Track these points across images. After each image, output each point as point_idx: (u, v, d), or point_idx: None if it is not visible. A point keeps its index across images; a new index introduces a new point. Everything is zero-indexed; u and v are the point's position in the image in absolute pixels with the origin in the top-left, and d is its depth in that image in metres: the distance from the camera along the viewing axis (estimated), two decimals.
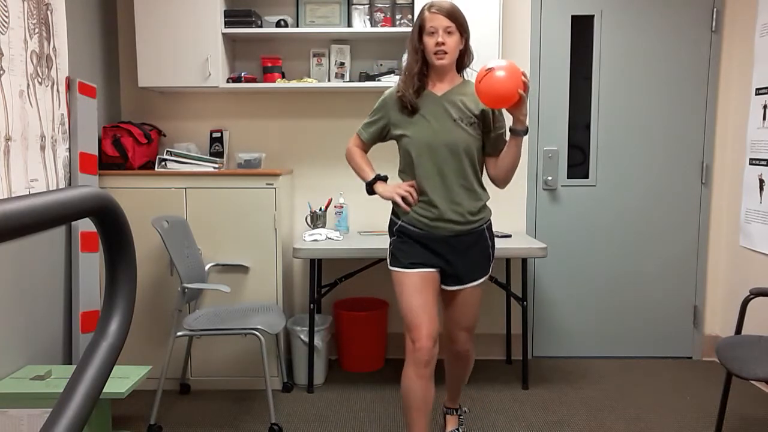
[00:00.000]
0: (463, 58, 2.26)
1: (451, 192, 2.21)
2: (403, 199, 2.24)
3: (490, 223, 2.34)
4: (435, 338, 2.17)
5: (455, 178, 2.20)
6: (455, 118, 2.20)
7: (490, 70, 2.02)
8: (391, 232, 2.34)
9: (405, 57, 3.11)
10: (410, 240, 2.26)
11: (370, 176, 2.34)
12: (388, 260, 2.33)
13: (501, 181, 2.30)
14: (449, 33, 2.14)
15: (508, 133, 2.24)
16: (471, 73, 2.27)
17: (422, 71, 2.22)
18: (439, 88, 2.24)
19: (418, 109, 2.22)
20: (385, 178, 2.35)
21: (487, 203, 2.32)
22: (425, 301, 2.19)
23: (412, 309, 2.18)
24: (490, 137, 2.27)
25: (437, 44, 2.14)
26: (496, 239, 2.37)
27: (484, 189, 2.30)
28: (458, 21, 2.15)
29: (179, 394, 3.21)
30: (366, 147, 2.42)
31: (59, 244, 2.85)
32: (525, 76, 2.04)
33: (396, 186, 2.26)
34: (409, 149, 2.24)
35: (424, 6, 2.19)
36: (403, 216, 2.27)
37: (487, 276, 2.35)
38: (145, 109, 3.59)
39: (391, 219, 2.35)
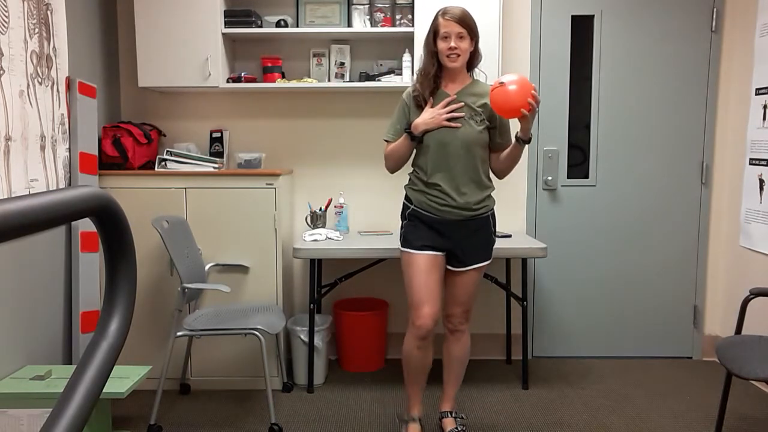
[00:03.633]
0: (473, 59, 2.46)
1: (460, 182, 2.40)
2: (450, 119, 2.38)
3: (494, 212, 2.54)
4: (435, 318, 2.42)
5: (464, 170, 2.40)
6: (466, 116, 2.39)
7: (502, 84, 2.23)
8: (403, 216, 2.53)
9: (414, 62, 3.15)
10: (421, 224, 2.46)
11: (405, 133, 2.45)
12: (399, 242, 2.52)
13: (500, 174, 2.55)
14: (461, 38, 2.33)
15: (513, 137, 2.44)
16: (478, 73, 2.55)
17: (437, 73, 2.41)
18: (451, 88, 2.44)
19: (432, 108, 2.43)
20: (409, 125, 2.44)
21: (492, 193, 2.54)
22: (430, 281, 2.41)
23: (418, 288, 2.41)
24: (495, 135, 2.48)
25: (450, 48, 2.33)
26: (496, 239, 2.58)
27: (490, 180, 2.51)
28: (469, 27, 2.35)
29: (179, 394, 3.21)
30: None
31: (59, 244, 2.85)
32: (535, 97, 2.21)
33: (435, 114, 2.37)
34: (424, 143, 2.42)
35: (438, 12, 2.38)
36: (416, 201, 2.47)
37: (489, 261, 2.54)
38: (145, 109, 3.59)
39: (404, 204, 2.55)
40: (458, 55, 2.34)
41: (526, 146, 3.54)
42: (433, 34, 2.37)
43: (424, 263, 2.42)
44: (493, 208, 2.53)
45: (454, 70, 2.40)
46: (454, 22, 2.31)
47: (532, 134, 2.37)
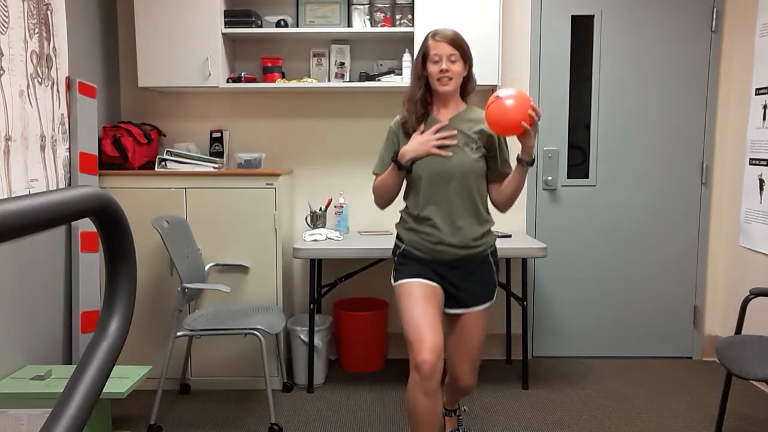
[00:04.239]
0: (467, 85, 2.27)
1: (455, 217, 2.20)
2: (441, 146, 2.17)
3: (495, 249, 2.32)
4: (439, 352, 2.07)
5: (459, 203, 2.20)
6: (460, 144, 2.20)
7: (498, 98, 2.05)
8: (393, 254, 2.33)
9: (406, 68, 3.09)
10: (413, 262, 2.25)
11: (391, 163, 2.25)
12: (392, 278, 2.31)
13: (502, 207, 2.32)
14: (453, 60, 2.15)
15: (514, 162, 2.23)
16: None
17: (425, 98, 2.23)
18: (443, 114, 2.25)
19: None
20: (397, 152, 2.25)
21: (492, 227, 2.32)
22: (428, 312, 2.13)
23: (414, 320, 2.11)
24: (495, 163, 2.27)
25: (441, 71, 2.15)
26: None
27: (488, 213, 2.29)
28: (461, 48, 2.17)
29: (179, 394, 3.21)
30: None
31: (59, 244, 2.85)
32: (535, 109, 2.03)
33: (424, 141, 2.17)
34: (414, 174, 2.22)
35: (428, 34, 2.20)
36: (407, 240, 2.27)
37: (491, 302, 2.32)
38: (145, 109, 3.59)
39: (395, 243, 2.34)
40: (450, 78, 2.16)
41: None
42: (423, 57, 2.19)
43: (420, 291, 2.17)
44: (494, 245, 2.31)
45: (446, 96, 2.21)
46: (445, 44, 2.14)
47: (535, 155, 2.21)
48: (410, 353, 2.09)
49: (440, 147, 2.17)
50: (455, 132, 2.19)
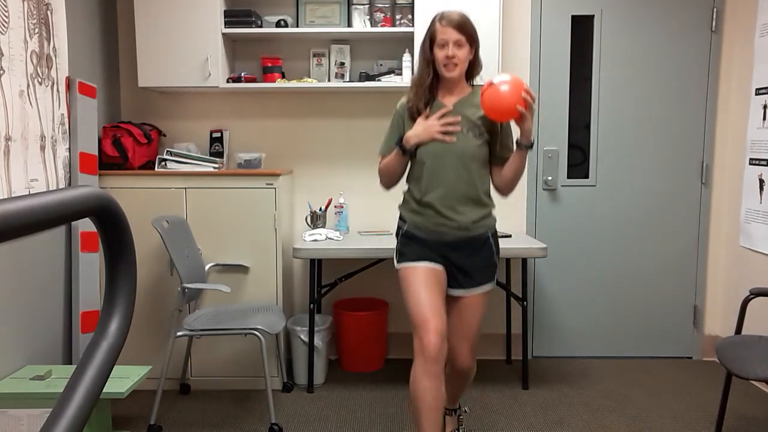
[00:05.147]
0: (473, 68, 2.29)
1: (456, 200, 2.24)
2: (446, 132, 2.21)
3: (495, 231, 2.35)
4: (443, 335, 2.16)
5: (461, 187, 2.23)
6: (464, 130, 2.23)
7: (492, 84, 2.08)
8: (397, 235, 2.38)
9: (414, 62, 3.11)
10: (416, 243, 2.30)
11: (396, 146, 2.28)
12: (395, 259, 2.36)
13: (503, 190, 2.35)
14: (459, 45, 2.17)
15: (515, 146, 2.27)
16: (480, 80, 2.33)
17: (433, 82, 2.25)
18: (448, 99, 2.27)
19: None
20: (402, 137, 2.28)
21: (493, 211, 2.36)
22: (432, 295, 2.20)
23: (419, 303, 2.19)
24: (496, 147, 2.30)
25: (447, 57, 2.17)
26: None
27: (490, 198, 2.32)
28: (468, 33, 2.17)
29: (179, 394, 3.21)
30: None
31: (59, 244, 2.85)
32: (528, 92, 2.06)
33: (428, 126, 2.21)
34: (418, 158, 2.26)
35: (435, 17, 2.21)
36: (409, 221, 2.31)
37: (492, 284, 2.36)
38: (145, 109, 3.59)
39: (398, 224, 2.39)
40: (456, 65, 2.17)
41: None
42: (430, 40, 2.20)
43: (423, 275, 2.23)
44: (493, 227, 2.33)
45: (451, 80, 2.23)
46: (451, 29, 2.14)
47: (534, 138, 2.22)
48: (415, 336, 2.17)
49: (444, 132, 2.20)
50: (459, 118, 2.22)
